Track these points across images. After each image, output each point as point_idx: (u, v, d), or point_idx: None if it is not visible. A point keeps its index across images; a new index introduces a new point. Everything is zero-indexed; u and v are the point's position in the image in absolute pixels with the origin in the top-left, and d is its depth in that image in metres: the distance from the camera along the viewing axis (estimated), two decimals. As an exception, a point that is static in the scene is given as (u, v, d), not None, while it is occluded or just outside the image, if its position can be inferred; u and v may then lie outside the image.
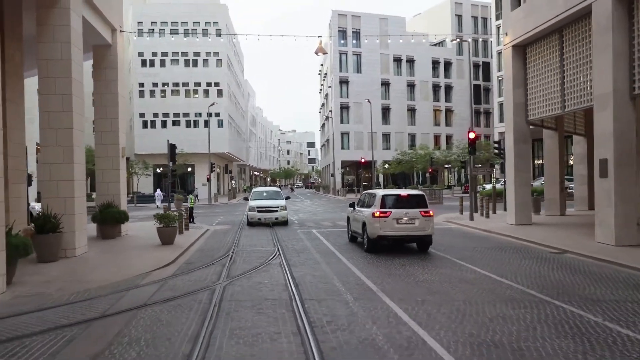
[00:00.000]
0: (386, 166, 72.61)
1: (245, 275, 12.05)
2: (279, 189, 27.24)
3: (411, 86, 79.38)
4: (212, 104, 61.93)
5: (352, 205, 17.90)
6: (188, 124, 73.66)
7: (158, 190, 51.33)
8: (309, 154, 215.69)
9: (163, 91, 73.70)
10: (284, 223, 24.12)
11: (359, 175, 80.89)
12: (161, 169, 70.40)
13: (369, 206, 15.73)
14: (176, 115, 73.24)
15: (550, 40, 20.03)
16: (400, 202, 14.96)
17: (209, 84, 74.26)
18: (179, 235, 20.27)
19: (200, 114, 73.43)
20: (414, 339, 7.08)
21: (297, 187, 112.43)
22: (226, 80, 73.85)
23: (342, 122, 76.41)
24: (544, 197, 29.95)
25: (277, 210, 24.01)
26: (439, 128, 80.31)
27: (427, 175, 70.38)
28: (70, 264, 14.22)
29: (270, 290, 10.39)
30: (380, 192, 15.45)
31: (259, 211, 23.96)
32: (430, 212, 14.95)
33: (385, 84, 77.86)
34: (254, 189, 26.99)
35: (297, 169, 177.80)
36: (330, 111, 79.15)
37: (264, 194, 26.44)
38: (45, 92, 15.48)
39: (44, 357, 6.67)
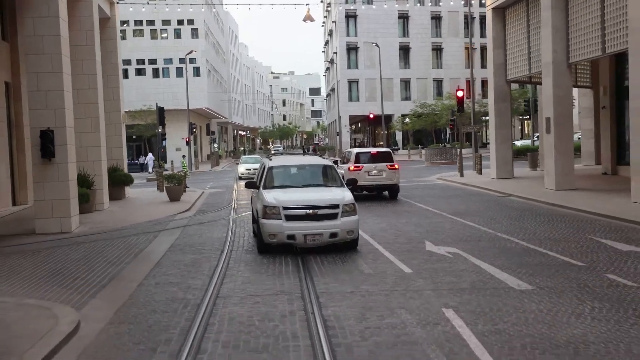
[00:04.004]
0: (406, 121, 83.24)
1: (246, 214, 23.37)
2: (328, 161, 18.41)
3: (437, 19, 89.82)
4: (190, 52, 71.96)
5: (335, 162, 29.12)
6: (155, 73, 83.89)
7: (150, 154, 62.20)
8: (312, 105, 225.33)
9: (122, 32, 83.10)
10: (352, 245, 15.22)
11: (372, 133, 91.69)
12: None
13: (347, 162, 26.90)
14: (140, 62, 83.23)
15: (521, 6, 30.89)
16: (371, 158, 26.19)
17: (180, 22, 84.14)
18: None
19: (170, 60, 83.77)
20: (348, 229, 18.35)
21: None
22: (202, 16, 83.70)
23: (349, 67, 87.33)
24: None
25: (334, 216, 14.54)
26: (474, 71, 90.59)
27: (449, 131, 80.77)
28: (105, 213, 25.57)
29: (267, 218, 21.70)
30: (354, 150, 26.78)
31: (288, 218, 14.43)
32: (396, 166, 26.17)
33: (404, 17, 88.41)
34: (268, 163, 17.17)
35: (297, 125, 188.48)
36: (335, 53, 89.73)
37: (293, 172, 17.20)
38: (74, 73, 26.61)
39: (148, 240, 17.95)
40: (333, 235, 14.41)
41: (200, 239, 17.79)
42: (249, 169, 44.16)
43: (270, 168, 16.71)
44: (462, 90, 36.99)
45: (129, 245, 17.24)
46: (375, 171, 26.02)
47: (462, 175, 35.56)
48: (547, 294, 10.35)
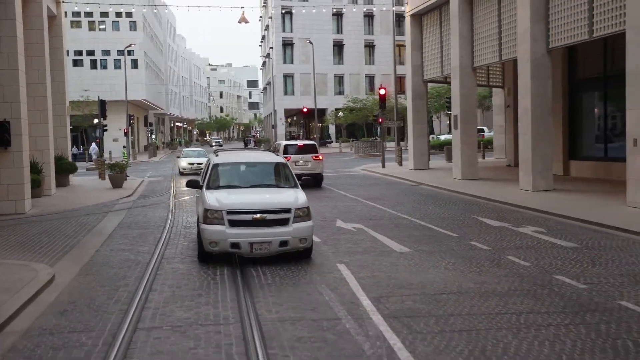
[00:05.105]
0: (340, 114, 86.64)
1: (185, 198, 26.11)
2: (281, 159, 16.58)
3: (369, 17, 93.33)
4: (129, 45, 73.66)
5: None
6: (93, 64, 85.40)
7: (93, 144, 63.61)
8: (249, 97, 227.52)
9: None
10: (305, 254, 13.55)
11: (307, 126, 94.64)
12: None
13: (277, 153, 29.81)
14: (77, 53, 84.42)
15: (435, 14, 34.30)
16: (298, 150, 29.23)
17: (118, 14, 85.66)
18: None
19: (108, 52, 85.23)
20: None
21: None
22: (141, 8, 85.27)
23: (284, 62, 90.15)
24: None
25: (284, 221, 12.98)
26: (402, 68, 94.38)
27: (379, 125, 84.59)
28: (54, 198, 27.91)
29: (203, 202, 24.52)
30: (283, 142, 29.83)
31: (232, 223, 12.76)
32: (320, 157, 29.28)
33: (338, 15, 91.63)
34: (213, 159, 15.36)
35: (234, 117, 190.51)
36: (271, 48, 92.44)
37: (241, 171, 15.47)
38: (25, 69, 28.83)
39: (98, 219, 20.57)
40: (283, 243, 12.72)
41: (144, 218, 20.53)
42: (192, 164, 41.71)
43: (216, 165, 14.86)
44: (385, 88, 40.67)
45: (81, 223, 19.84)
46: (301, 161, 29.06)
47: (383, 166, 38.93)
48: (419, 255, 13.49)
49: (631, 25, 18.71)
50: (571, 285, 10.59)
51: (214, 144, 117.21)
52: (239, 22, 37.99)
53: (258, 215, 12.76)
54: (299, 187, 14.60)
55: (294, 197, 13.60)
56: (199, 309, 9.76)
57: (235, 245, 12.59)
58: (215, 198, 13.23)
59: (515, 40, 25.56)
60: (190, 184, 14.96)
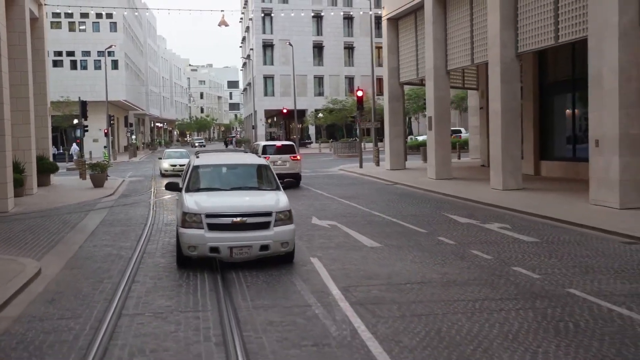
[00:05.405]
0: (320, 115, 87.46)
1: (165, 197, 26.75)
2: (263, 160, 15.92)
3: (349, 19, 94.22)
4: (110, 47, 73.97)
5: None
6: (73, 65, 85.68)
7: (74, 145, 63.87)
8: (230, 98, 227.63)
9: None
10: (287, 258, 13.24)
11: (287, 127, 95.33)
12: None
13: (255, 153, 30.51)
14: (58, 54, 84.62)
15: (411, 19, 35.16)
16: (276, 150, 29.97)
17: (99, 15, 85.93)
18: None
19: (88, 53, 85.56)
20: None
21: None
22: (121, 9, 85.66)
23: (265, 63, 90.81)
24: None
25: (265, 225, 12.66)
26: (381, 69, 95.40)
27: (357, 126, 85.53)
28: (36, 197, 28.43)
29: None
30: (262, 143, 30.51)
31: (211, 227, 12.48)
32: (298, 157, 30.02)
33: (318, 17, 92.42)
34: (193, 161, 14.98)
35: (214, 118, 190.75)
36: (252, 49, 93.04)
37: (222, 173, 15.17)
38: (8, 70, 29.32)
39: (81, 217, 21.17)
40: (264, 247, 12.44)
41: (126, 216, 21.17)
42: (174, 165, 40.49)
43: (196, 167, 14.57)
44: (362, 90, 41.58)
45: (64, 221, 20.42)
46: (279, 162, 29.78)
47: (361, 166, 39.76)
48: (388, 249, 14.25)
49: (592, 34, 19.62)
50: (527, 275, 11.40)
51: (196, 144, 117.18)
52: (219, 25, 38.63)
53: (238, 219, 12.44)
54: (281, 189, 14.25)
55: (275, 199, 13.23)
56: (179, 298, 10.47)
57: (214, 249, 12.34)
58: (194, 201, 12.94)
59: (487, 45, 26.42)
60: (169, 187, 14.65)
